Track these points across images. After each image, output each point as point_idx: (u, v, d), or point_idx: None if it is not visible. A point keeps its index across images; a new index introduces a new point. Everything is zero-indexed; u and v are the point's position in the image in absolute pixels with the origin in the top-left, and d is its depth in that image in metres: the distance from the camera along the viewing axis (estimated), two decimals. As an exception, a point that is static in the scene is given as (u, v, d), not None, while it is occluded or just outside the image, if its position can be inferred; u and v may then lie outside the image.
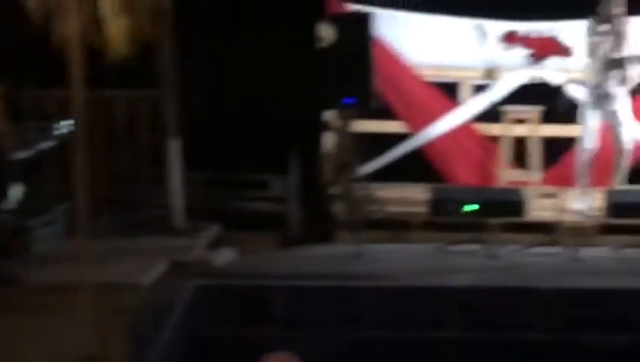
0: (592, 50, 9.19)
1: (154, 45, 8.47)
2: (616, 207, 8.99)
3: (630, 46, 9.21)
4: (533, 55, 10.18)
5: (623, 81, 9.22)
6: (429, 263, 8.25)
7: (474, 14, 8.99)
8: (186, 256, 8.01)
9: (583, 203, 9.13)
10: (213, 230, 8.72)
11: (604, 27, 9.18)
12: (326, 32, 8.61)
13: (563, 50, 9.59)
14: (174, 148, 8.62)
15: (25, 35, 8.44)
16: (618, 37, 9.16)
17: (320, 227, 8.99)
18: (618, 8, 9.14)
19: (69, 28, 5.89)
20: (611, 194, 9.18)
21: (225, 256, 8.30)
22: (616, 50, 9.19)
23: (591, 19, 9.25)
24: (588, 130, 9.18)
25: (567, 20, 9.46)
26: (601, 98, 9.19)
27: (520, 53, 10.17)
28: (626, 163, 9.36)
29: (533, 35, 10.14)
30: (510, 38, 10.19)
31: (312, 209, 9.15)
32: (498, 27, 10.08)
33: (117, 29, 8.17)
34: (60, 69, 6.12)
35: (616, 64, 9.17)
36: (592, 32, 9.21)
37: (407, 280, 7.78)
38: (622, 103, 9.27)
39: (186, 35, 8.82)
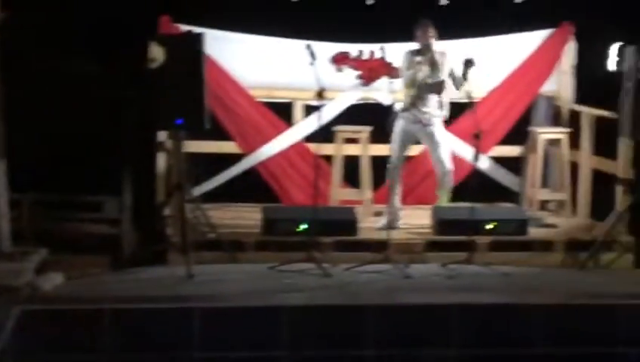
0: (410, 80, 9.47)
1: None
2: (442, 224, 9.25)
3: (444, 70, 9.52)
4: (363, 76, 10.39)
5: (440, 105, 9.52)
6: (262, 283, 8.26)
7: (305, 36, 9.08)
8: (12, 280, 7.80)
9: (381, 220, 9.34)
10: (41, 254, 8.52)
11: (419, 57, 9.47)
12: (157, 53, 8.55)
13: (392, 71, 9.81)
14: (0, 171, 8.40)
15: None
16: (433, 64, 9.47)
17: (153, 249, 8.91)
18: (430, 36, 9.44)
19: None
20: (437, 211, 9.43)
21: (53, 280, 8.13)
22: (431, 76, 9.49)
23: (406, 52, 9.52)
24: (395, 150, 9.43)
25: (395, 42, 9.67)
26: (420, 120, 9.45)
27: (351, 74, 10.38)
28: (449, 182, 9.65)
29: (363, 56, 10.36)
30: (340, 60, 10.38)
31: (146, 230, 9.06)
32: (329, 48, 10.27)
33: None
34: None
35: (432, 89, 9.46)
36: (409, 63, 9.48)
37: (238, 300, 7.77)
38: (439, 125, 9.55)
39: (11, 56, 8.62)
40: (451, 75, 9.48)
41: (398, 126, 9.46)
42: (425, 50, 9.51)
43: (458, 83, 9.42)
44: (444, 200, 9.67)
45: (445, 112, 9.60)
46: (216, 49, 9.86)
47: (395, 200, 9.59)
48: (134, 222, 9.06)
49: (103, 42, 9.55)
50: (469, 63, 9.24)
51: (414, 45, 9.57)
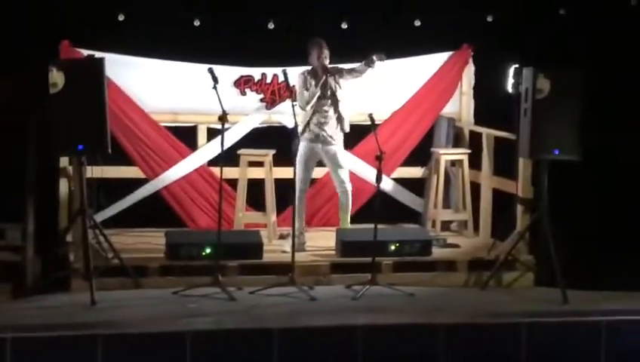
0: (306, 101, 9.56)
1: None
2: (346, 245, 9.31)
3: (340, 92, 9.63)
4: (266, 100, 10.43)
5: (338, 123, 9.61)
6: (166, 309, 8.22)
7: (207, 60, 9.10)
8: None
9: (286, 244, 9.43)
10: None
11: (314, 79, 9.55)
12: (58, 78, 8.48)
13: (295, 94, 9.85)
14: None
15: None
16: (326, 85, 9.55)
17: (56, 275, 8.80)
18: (325, 57, 9.53)
19: None
20: (340, 233, 9.50)
21: (-47, 310, 8.00)
22: (327, 97, 9.58)
23: (301, 73, 9.61)
24: (299, 172, 9.50)
25: (297, 66, 9.72)
26: (319, 140, 9.52)
27: (254, 97, 10.41)
28: (348, 201, 9.73)
29: (266, 80, 10.41)
30: (243, 84, 10.41)
31: (49, 257, 8.95)
32: (231, 72, 10.29)
33: None
34: None
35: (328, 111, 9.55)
36: (303, 84, 9.55)
37: (143, 326, 7.71)
38: (339, 145, 9.65)
39: None
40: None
41: (300, 148, 9.51)
42: (319, 71, 9.58)
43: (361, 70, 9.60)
44: (345, 222, 9.74)
45: (345, 127, 9.66)
46: (118, 73, 9.85)
47: (301, 223, 9.63)
48: (37, 248, 8.93)
49: (2, 67, 9.42)
50: (370, 62, 9.45)
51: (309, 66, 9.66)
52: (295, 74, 9.64)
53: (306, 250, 9.59)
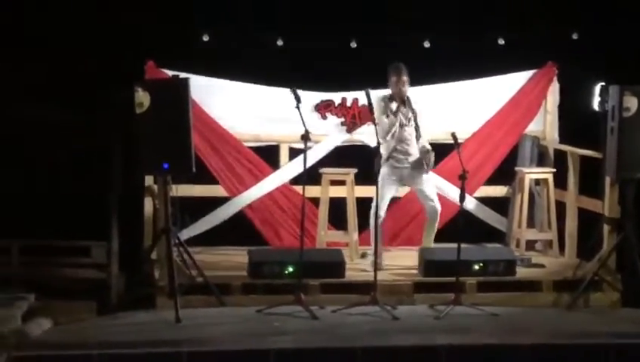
0: (386, 130, 9.53)
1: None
2: (429, 265, 9.26)
3: (421, 114, 9.60)
4: (347, 123, 10.45)
5: (420, 149, 9.58)
6: (250, 326, 8.24)
7: (289, 85, 9.14)
8: (0, 327, 7.78)
9: (364, 262, 9.45)
10: (29, 299, 8.51)
11: (394, 104, 9.52)
12: (144, 98, 8.58)
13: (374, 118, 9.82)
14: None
15: None
16: (405, 115, 9.51)
17: (141, 293, 8.89)
18: (404, 81, 9.51)
19: None
20: (424, 252, 9.45)
21: (41, 326, 8.11)
22: (408, 121, 9.54)
23: (379, 98, 9.56)
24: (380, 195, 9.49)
25: (380, 88, 9.71)
26: (403, 167, 9.47)
27: (335, 121, 10.44)
28: (436, 224, 9.67)
29: (347, 103, 10.42)
30: (324, 108, 10.44)
31: (133, 275, 9.05)
32: (312, 97, 10.34)
33: None
34: None
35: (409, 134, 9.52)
36: (383, 110, 9.52)
37: (227, 344, 7.75)
38: (422, 167, 9.60)
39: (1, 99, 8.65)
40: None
41: (383, 172, 9.49)
42: (397, 98, 9.55)
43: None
44: (429, 241, 9.68)
45: (430, 157, 9.63)
46: (202, 94, 9.93)
47: (380, 242, 9.61)
48: (122, 266, 9.04)
49: (89, 88, 9.58)
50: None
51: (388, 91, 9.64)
52: (376, 96, 9.62)
53: (388, 269, 9.55)
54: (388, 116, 9.53)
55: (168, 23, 9.87)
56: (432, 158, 9.63)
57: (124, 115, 8.83)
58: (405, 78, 9.55)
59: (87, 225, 9.22)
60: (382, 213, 9.51)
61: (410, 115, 9.60)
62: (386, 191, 9.55)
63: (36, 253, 9.22)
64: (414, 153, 9.61)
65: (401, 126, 9.54)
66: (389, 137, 9.53)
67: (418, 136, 9.63)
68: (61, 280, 9.05)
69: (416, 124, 9.61)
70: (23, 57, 9.57)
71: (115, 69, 9.54)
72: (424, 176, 9.63)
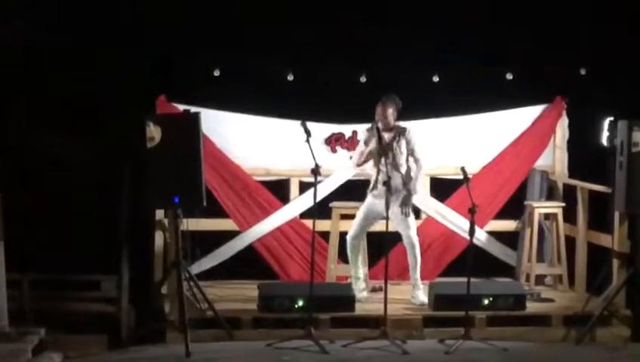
0: (357, 161, 9.63)
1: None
2: (439, 299, 9.26)
3: (401, 148, 9.58)
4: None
5: (404, 182, 9.56)
6: (260, 361, 8.26)
7: (299, 117, 9.18)
8: (10, 361, 7.79)
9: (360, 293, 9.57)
10: (39, 333, 8.53)
11: (388, 134, 9.54)
12: (155, 132, 8.63)
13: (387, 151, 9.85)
14: (-1, 252, 8.44)
15: None
16: (386, 146, 9.51)
17: (151, 327, 8.90)
18: (388, 114, 9.52)
19: None
20: (434, 287, 9.45)
21: (52, 360, 8.13)
22: (392, 152, 9.55)
23: (366, 129, 9.58)
24: (357, 223, 9.58)
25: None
26: (384, 199, 9.43)
27: (345, 155, 10.47)
28: (417, 260, 9.65)
29: (358, 136, 10.44)
30: (335, 141, 10.48)
31: (144, 309, 9.07)
32: (323, 130, 10.39)
33: None
34: None
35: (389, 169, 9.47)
36: (367, 140, 9.55)
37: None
38: (405, 202, 9.57)
39: (11, 132, 8.69)
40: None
41: (365, 202, 9.55)
42: (384, 129, 9.56)
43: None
44: (414, 275, 9.64)
45: (413, 187, 9.58)
46: (212, 128, 9.98)
47: (356, 270, 9.71)
48: (132, 300, 9.06)
49: (101, 122, 9.64)
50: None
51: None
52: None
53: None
54: (366, 145, 9.55)
55: (179, 57, 9.92)
56: (410, 203, 9.61)
57: (135, 149, 8.88)
58: (390, 110, 9.54)
59: (97, 258, 9.23)
60: (353, 239, 9.62)
61: (397, 146, 9.55)
62: (362, 221, 9.62)
63: (47, 286, 9.24)
64: (397, 185, 9.54)
65: (381, 156, 9.45)
66: (367, 164, 9.56)
67: (417, 169, 9.59)
68: (71, 314, 9.07)
69: (415, 158, 9.58)
70: (36, 90, 9.63)
71: (126, 103, 9.59)
72: (400, 213, 9.59)
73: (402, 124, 9.63)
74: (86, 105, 9.68)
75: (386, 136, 9.52)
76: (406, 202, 9.52)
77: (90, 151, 9.62)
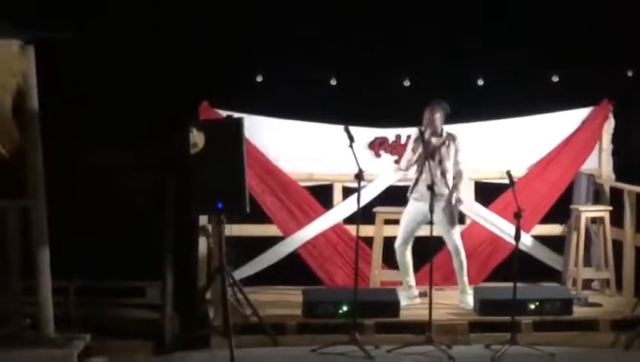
0: (407, 164, 9.59)
1: (21, 152, 8.34)
2: (485, 304, 9.19)
3: (449, 155, 9.52)
4: (401, 160, 10.40)
5: (447, 185, 9.49)
6: (304, 366, 8.26)
7: (342, 121, 9.16)
8: (56, 367, 7.84)
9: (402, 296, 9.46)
10: (85, 339, 8.55)
11: (436, 139, 9.48)
12: (198, 138, 8.65)
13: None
14: (43, 258, 8.47)
15: None
16: (435, 150, 9.45)
17: (196, 333, 8.91)
18: (435, 119, 9.47)
19: None
20: (479, 291, 9.38)
21: (97, 366, 8.17)
22: (440, 156, 9.49)
23: (415, 132, 9.51)
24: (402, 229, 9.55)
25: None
26: (426, 202, 9.31)
27: (388, 159, 10.43)
28: (462, 262, 9.58)
29: (401, 141, 10.41)
30: (378, 145, 10.45)
31: (188, 315, 9.08)
32: (366, 134, 10.34)
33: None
34: None
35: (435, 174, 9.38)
36: (415, 145, 9.48)
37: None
38: (448, 205, 9.50)
39: (55, 138, 8.73)
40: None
41: (408, 207, 9.49)
42: (431, 134, 9.51)
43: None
44: (462, 282, 9.56)
45: (456, 195, 9.52)
46: (255, 133, 9.99)
47: (405, 277, 9.66)
48: (176, 306, 9.08)
49: (144, 128, 9.67)
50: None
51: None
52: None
53: (443, 308, 9.49)
54: (413, 148, 9.49)
55: (222, 63, 9.93)
56: (457, 211, 9.56)
57: (179, 154, 8.90)
58: (438, 115, 9.49)
59: (141, 265, 9.25)
60: (401, 245, 9.55)
61: (445, 151, 9.50)
62: (406, 226, 9.54)
63: (92, 293, 9.28)
64: (441, 190, 9.48)
65: (427, 161, 9.39)
66: (412, 168, 9.52)
67: (459, 178, 9.53)
68: (116, 321, 9.09)
69: (455, 160, 9.52)
70: (78, 97, 9.67)
71: (169, 109, 9.62)
72: (445, 216, 9.52)
73: (448, 127, 9.58)
74: (129, 111, 9.71)
75: (434, 140, 9.48)
76: (452, 211, 9.46)
77: (133, 157, 9.64)
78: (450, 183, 9.48)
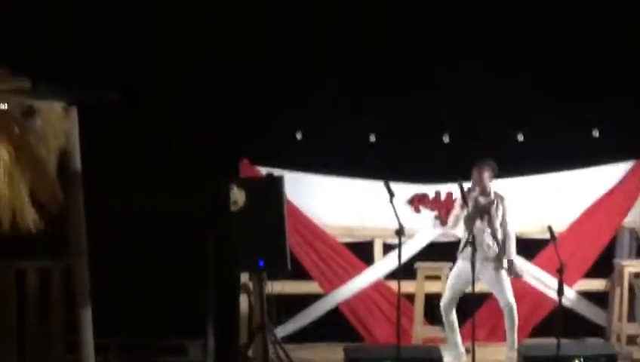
0: (454, 222, 9.52)
1: (64, 210, 8.42)
2: (528, 360, 9.08)
3: (498, 216, 9.47)
4: (440, 217, 10.41)
5: (499, 248, 9.44)
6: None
7: (382, 177, 9.17)
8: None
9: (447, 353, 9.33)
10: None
11: (484, 199, 9.45)
12: (239, 195, 8.70)
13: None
14: (85, 316, 8.51)
15: None
16: (485, 210, 9.42)
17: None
18: (485, 178, 9.42)
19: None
20: (522, 348, 9.27)
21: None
22: (488, 215, 9.44)
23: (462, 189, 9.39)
24: (449, 288, 9.45)
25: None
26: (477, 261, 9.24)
27: (428, 215, 10.41)
28: (514, 319, 9.48)
29: (441, 197, 10.40)
30: (418, 202, 10.44)
31: (230, 372, 9.09)
32: (406, 190, 10.34)
33: (21, 198, 8.10)
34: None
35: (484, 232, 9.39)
36: (460, 203, 9.45)
37: None
38: (500, 268, 9.45)
39: (96, 195, 8.80)
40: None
41: (457, 265, 9.44)
42: (480, 193, 9.48)
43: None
44: (511, 342, 9.47)
45: (509, 252, 9.48)
46: (294, 189, 10.01)
47: (453, 336, 9.54)
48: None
49: (184, 185, 9.73)
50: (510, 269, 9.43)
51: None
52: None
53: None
54: (462, 207, 9.46)
55: (262, 121, 10.01)
56: (515, 268, 9.52)
57: (220, 212, 8.94)
58: (486, 173, 9.48)
59: (183, 322, 9.27)
60: (448, 304, 9.47)
61: (494, 211, 9.48)
62: (453, 285, 9.48)
63: (134, 350, 9.29)
64: (491, 248, 9.44)
65: (476, 219, 9.37)
66: (456, 228, 9.50)
67: (505, 234, 9.50)
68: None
69: (503, 220, 9.50)
70: (119, 154, 9.76)
71: (210, 166, 9.68)
72: (497, 275, 9.45)
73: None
74: (170, 168, 9.79)
75: (482, 200, 9.46)
76: (510, 269, 9.43)
77: (174, 214, 9.69)
78: (501, 243, 9.44)
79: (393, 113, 10.26)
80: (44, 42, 9.22)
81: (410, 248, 10.27)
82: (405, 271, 9.38)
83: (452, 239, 10.38)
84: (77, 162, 8.39)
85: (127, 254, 9.62)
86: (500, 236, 9.46)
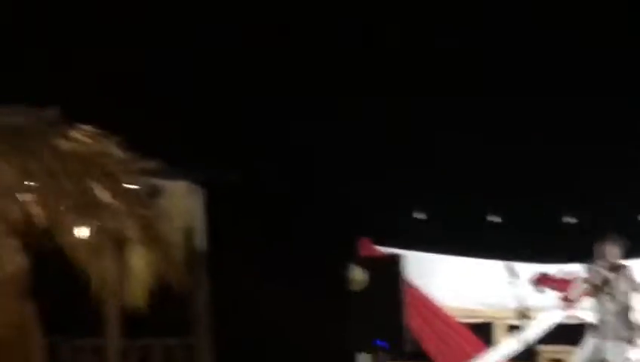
0: (576, 295, 9.29)
1: (188, 290, 8.53)
2: None
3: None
4: (565, 298, 10.20)
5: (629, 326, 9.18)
6: None
7: (504, 257, 9.10)
8: None
9: None
10: None
11: (612, 275, 9.22)
12: (358, 275, 8.71)
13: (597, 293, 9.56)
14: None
15: (68, 288, 8.52)
16: (618, 289, 9.19)
17: None
18: (615, 254, 9.22)
19: (104, 278, 5.99)
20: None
21: None
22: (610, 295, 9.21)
23: (591, 268, 9.13)
24: None
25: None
26: (604, 339, 9.01)
27: (552, 295, 10.22)
28: None
29: (565, 277, 10.21)
30: (541, 281, 10.27)
31: None
32: (529, 269, 10.20)
33: (147, 277, 8.22)
34: (97, 319, 6.18)
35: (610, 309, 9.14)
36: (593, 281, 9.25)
37: None
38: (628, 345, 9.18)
39: (219, 277, 8.90)
40: None
41: (586, 344, 9.20)
42: (608, 269, 9.26)
43: None
44: None
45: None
46: (415, 269, 9.95)
47: None
48: None
49: (304, 264, 9.79)
50: None
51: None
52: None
53: None
54: (587, 282, 9.23)
55: (383, 202, 10.03)
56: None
57: (341, 289, 8.95)
58: (613, 250, 9.25)
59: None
60: None
61: (623, 287, 9.23)
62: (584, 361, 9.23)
63: None
64: (621, 328, 9.17)
65: (607, 294, 9.14)
66: (581, 301, 9.30)
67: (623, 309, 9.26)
68: None
69: (618, 298, 9.26)
70: (240, 234, 9.87)
71: (330, 246, 9.72)
72: (625, 353, 9.18)
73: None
74: (290, 248, 9.86)
75: (610, 275, 9.23)
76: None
77: (294, 293, 9.73)
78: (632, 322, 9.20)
79: (514, 193, 10.19)
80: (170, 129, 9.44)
81: (533, 330, 10.08)
82: (527, 353, 9.23)
83: (577, 321, 10.18)
84: (202, 242, 8.51)
85: (248, 333, 9.68)
86: (629, 310, 9.19)
